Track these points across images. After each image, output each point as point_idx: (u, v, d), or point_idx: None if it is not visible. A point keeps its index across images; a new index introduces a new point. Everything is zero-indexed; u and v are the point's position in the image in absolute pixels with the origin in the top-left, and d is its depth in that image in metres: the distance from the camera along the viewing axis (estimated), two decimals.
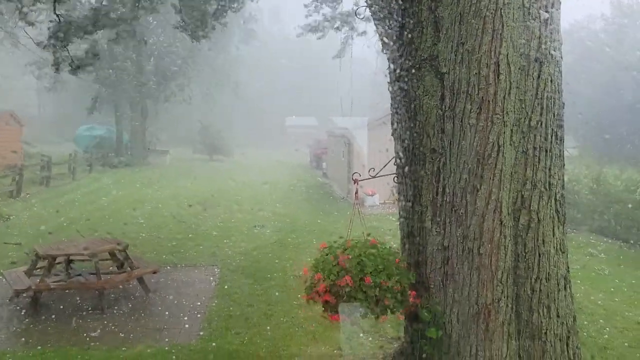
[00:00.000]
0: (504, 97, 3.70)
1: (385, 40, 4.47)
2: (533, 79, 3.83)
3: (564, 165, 4.06)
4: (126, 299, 7.40)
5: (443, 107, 3.98)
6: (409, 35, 4.19)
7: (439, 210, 4.06)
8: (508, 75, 3.70)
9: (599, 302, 7.67)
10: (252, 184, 22.24)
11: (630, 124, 28.21)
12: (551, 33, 3.85)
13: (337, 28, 10.82)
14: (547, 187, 3.89)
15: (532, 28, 3.80)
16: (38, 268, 7.20)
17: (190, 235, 11.51)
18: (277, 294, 7.65)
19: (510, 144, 3.77)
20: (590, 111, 28.95)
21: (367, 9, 4.69)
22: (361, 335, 5.95)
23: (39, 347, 5.74)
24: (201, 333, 6.24)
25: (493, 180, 3.73)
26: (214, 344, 5.93)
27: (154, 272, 7.77)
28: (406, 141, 4.32)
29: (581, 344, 4.20)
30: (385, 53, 4.58)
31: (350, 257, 3.84)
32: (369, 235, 4.13)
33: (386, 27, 4.42)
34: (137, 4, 9.35)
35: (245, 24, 35.85)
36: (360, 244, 4.00)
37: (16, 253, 9.45)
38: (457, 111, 3.84)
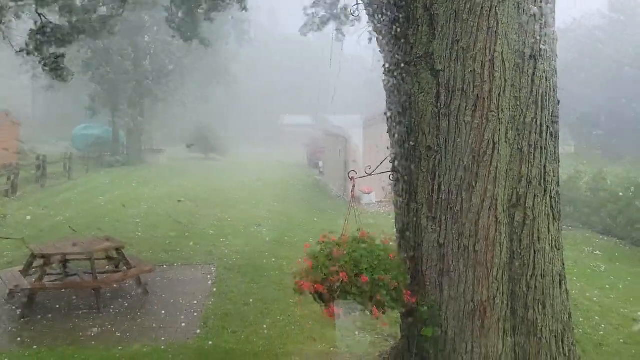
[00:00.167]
0: (499, 95, 3.71)
1: (380, 37, 4.47)
2: (528, 76, 3.84)
3: (559, 162, 4.07)
4: (122, 298, 7.38)
5: (438, 104, 3.98)
6: (404, 33, 4.19)
7: (434, 208, 4.06)
8: (503, 72, 3.71)
9: (595, 299, 7.70)
10: (248, 183, 22.22)
11: (626, 121, 28.33)
12: (546, 30, 3.86)
13: (333, 20, 10.80)
14: (543, 184, 3.90)
15: (527, 25, 3.80)
16: (34, 267, 7.17)
17: (186, 234, 11.49)
18: (273, 292, 7.64)
19: (506, 141, 3.78)
20: (586, 109, 29.05)
21: (363, 7, 4.69)
22: (357, 333, 5.96)
23: (35, 347, 5.72)
24: (197, 332, 6.24)
25: (488, 177, 3.74)
26: (210, 342, 5.93)
27: (150, 271, 7.76)
28: (402, 139, 4.33)
29: (577, 341, 4.22)
30: (381, 51, 4.59)
31: (345, 252, 3.84)
32: (358, 230, 4.11)
33: (381, 25, 4.42)
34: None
35: (239, 24, 35.75)
36: (351, 239, 3.99)
37: (12, 253, 9.41)
38: (452, 109, 3.84)
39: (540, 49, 3.84)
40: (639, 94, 27.38)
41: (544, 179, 3.90)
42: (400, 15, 4.23)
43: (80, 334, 6.11)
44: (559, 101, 4.05)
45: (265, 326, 6.40)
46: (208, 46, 10.78)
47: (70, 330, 6.21)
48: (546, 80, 3.89)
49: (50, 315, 6.65)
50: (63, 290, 7.31)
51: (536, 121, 3.87)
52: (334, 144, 21.44)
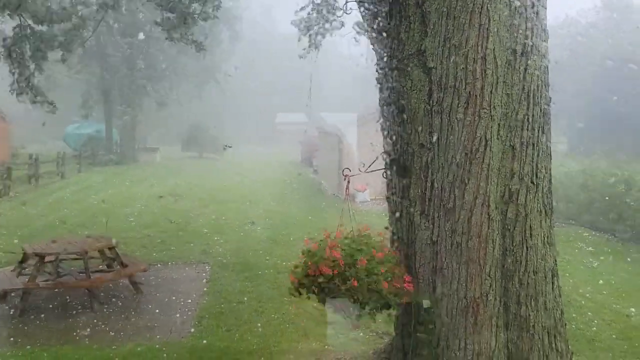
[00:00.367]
0: (490, 92, 3.72)
1: (373, 35, 4.47)
2: (519, 73, 3.85)
3: (551, 158, 4.09)
4: (116, 297, 7.36)
5: (431, 102, 3.99)
6: (396, 30, 4.19)
7: (427, 205, 4.07)
8: (495, 69, 3.72)
9: (588, 295, 7.75)
10: (242, 181, 22.21)
11: (618, 119, 28.48)
12: (537, 27, 3.87)
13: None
14: (534, 180, 3.92)
15: (518, 22, 3.82)
16: (26, 267, 7.14)
17: (180, 233, 11.47)
18: (268, 290, 7.65)
19: (498, 138, 3.79)
20: (579, 106, 29.18)
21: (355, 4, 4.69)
22: (351, 330, 5.96)
23: (29, 347, 5.69)
24: (192, 330, 6.23)
25: (481, 174, 3.75)
26: (204, 341, 5.92)
27: (144, 270, 7.74)
28: (394, 136, 4.33)
29: (570, 337, 4.24)
30: (373, 49, 4.59)
31: (340, 246, 3.86)
32: (351, 230, 4.13)
33: (373, 22, 4.42)
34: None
35: (233, 24, 35.68)
36: (346, 238, 4.00)
37: (5, 253, 9.36)
38: (444, 106, 3.85)
39: (532, 46, 3.85)
40: (631, 92, 27.50)
41: (536, 175, 3.92)
42: (392, 13, 4.24)
43: (74, 333, 6.09)
44: (550, 98, 4.06)
45: (259, 324, 6.40)
46: (203, 50, 10.71)
47: (64, 330, 6.19)
48: (537, 77, 3.91)
49: (43, 315, 6.62)
50: (56, 289, 7.28)
51: (528, 118, 3.88)
52: (328, 142, 21.44)
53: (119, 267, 7.36)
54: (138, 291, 7.45)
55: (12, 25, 9.94)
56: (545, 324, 3.96)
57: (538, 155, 3.94)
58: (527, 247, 3.91)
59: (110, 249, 7.41)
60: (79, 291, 7.23)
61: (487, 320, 3.81)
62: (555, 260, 4.11)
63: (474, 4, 3.68)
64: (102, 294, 7.36)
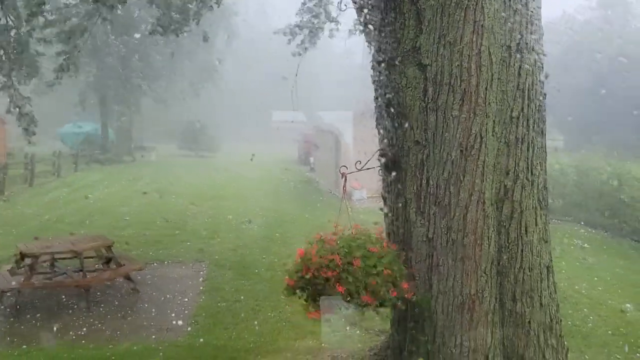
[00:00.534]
0: (485, 89, 3.72)
1: (368, 32, 4.47)
2: (514, 70, 3.86)
3: (546, 155, 4.09)
4: (112, 296, 7.35)
5: (426, 99, 3.99)
6: (391, 28, 4.19)
7: (423, 202, 4.07)
8: (490, 66, 3.72)
9: (583, 291, 7.78)
10: (239, 179, 22.19)
11: (612, 116, 28.55)
12: (532, 24, 3.88)
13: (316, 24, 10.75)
14: (530, 177, 3.92)
15: (513, 19, 3.82)
16: (22, 267, 7.11)
17: (177, 232, 11.45)
18: (264, 289, 7.64)
19: (493, 135, 3.79)
20: (574, 103, 29.24)
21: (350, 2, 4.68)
22: (347, 328, 5.97)
23: (24, 347, 5.68)
24: (188, 329, 6.23)
25: (476, 171, 3.75)
26: (201, 339, 5.92)
27: (140, 269, 7.74)
28: (390, 133, 4.33)
29: (565, 333, 4.25)
30: (369, 46, 4.58)
31: (338, 242, 3.84)
32: (349, 228, 4.10)
33: (368, 19, 4.42)
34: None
35: (229, 21, 35.60)
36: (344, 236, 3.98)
37: (0, 252, 9.33)
38: (439, 103, 3.85)
39: (526, 43, 3.86)
40: (621, 85, 27.59)
41: (531, 172, 3.93)
42: (387, 10, 4.23)
43: (70, 332, 6.08)
44: (545, 94, 4.07)
45: (256, 323, 6.40)
46: (207, 40, 10.63)
47: (60, 329, 6.17)
48: (532, 74, 3.91)
49: (39, 315, 6.60)
50: (52, 289, 7.26)
51: (523, 114, 3.89)
52: (324, 140, 21.44)
53: (115, 266, 7.35)
54: (134, 290, 7.43)
55: None
56: (540, 320, 3.97)
57: (533, 151, 3.95)
58: (522, 244, 3.92)
59: (106, 248, 7.39)
60: (74, 290, 7.21)
61: (483, 316, 3.82)
62: (551, 257, 4.12)
63: (468, 1, 3.68)
64: (98, 293, 7.34)
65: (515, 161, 3.89)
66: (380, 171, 4.59)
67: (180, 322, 6.43)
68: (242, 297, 7.28)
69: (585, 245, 10.88)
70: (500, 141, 3.87)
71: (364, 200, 16.38)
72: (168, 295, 7.37)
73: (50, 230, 11.02)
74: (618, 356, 5.65)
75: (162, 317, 6.62)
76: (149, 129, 41.34)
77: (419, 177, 4.10)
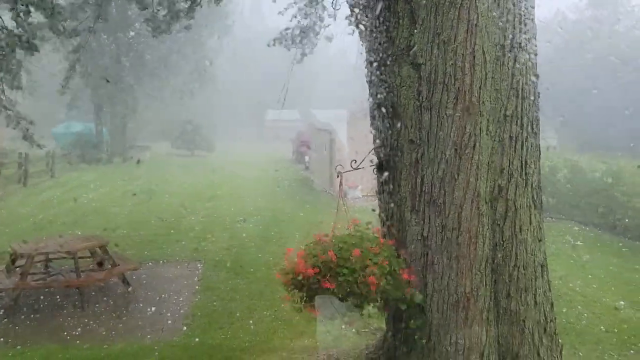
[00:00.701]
0: (479, 87, 3.72)
1: (362, 31, 4.47)
2: (508, 68, 3.87)
3: (540, 153, 4.10)
4: (107, 296, 7.33)
5: (420, 98, 3.99)
6: (385, 26, 4.19)
7: (417, 201, 4.08)
8: (483, 65, 3.73)
9: (577, 288, 7.82)
10: (233, 178, 22.15)
11: (606, 114, 28.69)
12: (525, 22, 3.89)
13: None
14: (524, 175, 3.94)
15: (506, 18, 3.83)
16: (17, 267, 7.08)
17: (172, 231, 11.44)
18: (260, 287, 7.64)
19: (487, 134, 3.80)
20: (568, 101, 29.36)
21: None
22: (343, 327, 5.98)
23: (19, 347, 5.66)
24: (184, 329, 6.22)
25: (470, 169, 3.76)
26: (196, 339, 5.92)
27: (135, 269, 7.72)
28: (384, 132, 4.34)
29: (559, 330, 4.27)
30: (363, 45, 4.58)
31: (332, 240, 3.86)
32: (347, 228, 4.12)
33: (362, 18, 4.42)
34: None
35: (223, 20, 35.50)
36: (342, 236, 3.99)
37: None
38: (434, 102, 3.85)
39: (520, 41, 3.87)
40: (611, 84, 27.76)
41: (525, 170, 3.94)
42: (381, 9, 4.23)
43: (65, 333, 6.06)
44: (539, 93, 4.08)
45: (251, 322, 6.40)
46: (189, 29, 10.49)
47: (55, 330, 6.15)
48: (526, 72, 3.92)
49: (33, 315, 6.58)
50: (47, 289, 7.24)
51: (516, 113, 3.90)
52: (319, 138, 21.44)
53: (109, 266, 7.33)
54: (129, 290, 7.42)
55: None
56: (535, 318, 3.98)
57: (527, 150, 3.96)
58: (517, 242, 3.93)
59: (100, 247, 7.37)
60: (69, 290, 7.19)
61: (478, 315, 3.83)
62: (545, 255, 4.13)
63: (462, 0, 3.69)
64: (93, 293, 7.33)
65: (509, 160, 3.90)
66: (374, 170, 4.60)
67: (175, 322, 6.43)
68: (237, 297, 7.28)
69: (579, 243, 10.93)
70: (494, 140, 3.88)
71: (359, 198, 16.40)
72: (163, 295, 7.36)
73: (45, 230, 10.98)
74: (612, 353, 5.68)
75: (157, 316, 6.61)
76: (144, 128, 41.20)
77: (414, 176, 4.11)
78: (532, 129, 4.01)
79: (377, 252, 3.78)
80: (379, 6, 4.22)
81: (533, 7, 4.00)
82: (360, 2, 4.45)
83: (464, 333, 3.83)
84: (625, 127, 27.02)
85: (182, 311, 6.79)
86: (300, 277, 3.73)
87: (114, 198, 16.28)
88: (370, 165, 4.58)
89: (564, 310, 6.67)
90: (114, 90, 29.99)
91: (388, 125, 4.26)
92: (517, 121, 3.91)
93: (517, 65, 3.88)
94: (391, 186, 4.33)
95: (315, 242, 3.99)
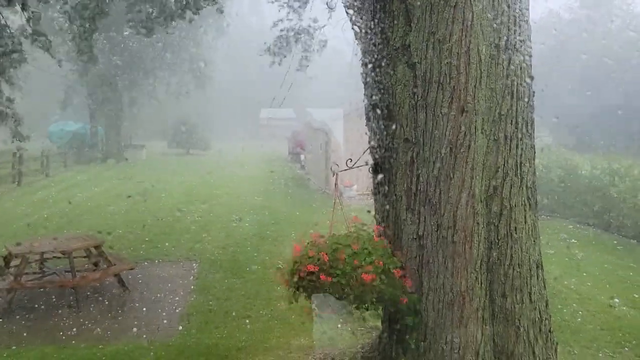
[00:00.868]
0: (474, 86, 3.73)
1: (357, 30, 4.47)
2: (503, 67, 3.87)
3: (535, 152, 4.12)
4: (102, 296, 7.31)
5: (415, 97, 4.00)
6: (381, 25, 4.20)
7: (413, 200, 4.09)
8: (478, 64, 3.73)
9: (572, 286, 7.85)
10: (229, 177, 22.11)
11: (600, 113, 28.81)
12: (520, 22, 3.89)
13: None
14: (519, 174, 3.95)
15: (501, 17, 3.84)
16: (11, 267, 7.06)
17: (167, 230, 11.41)
18: (256, 287, 7.64)
19: (482, 132, 3.81)
20: (563, 100, 29.46)
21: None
22: (339, 325, 5.99)
23: (14, 347, 5.65)
24: (180, 328, 6.21)
25: (465, 168, 3.77)
26: (192, 339, 5.91)
27: (131, 269, 7.70)
28: (380, 132, 4.34)
29: (555, 328, 4.29)
30: (358, 44, 4.59)
31: (327, 241, 3.87)
32: (346, 227, 4.14)
33: (358, 17, 4.42)
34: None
35: (219, 19, 35.43)
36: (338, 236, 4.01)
37: None
38: (429, 101, 3.86)
39: (515, 41, 3.88)
40: (606, 85, 27.90)
41: (520, 169, 3.95)
42: (377, 8, 4.24)
43: (60, 333, 6.05)
44: (534, 92, 4.09)
45: (248, 321, 6.39)
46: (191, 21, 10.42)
47: (50, 330, 6.13)
48: (521, 71, 3.93)
49: (28, 315, 6.56)
50: (42, 289, 7.21)
51: (511, 112, 3.91)
52: (315, 137, 21.43)
53: (105, 265, 7.31)
54: (125, 290, 7.40)
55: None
56: (530, 316, 4.00)
57: (522, 148, 3.97)
58: (512, 241, 3.95)
59: (96, 247, 7.35)
60: (64, 291, 7.17)
61: (473, 313, 3.84)
62: (540, 253, 4.14)
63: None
64: (88, 293, 7.31)
65: (504, 159, 3.91)
66: (370, 170, 4.60)
67: (171, 322, 6.42)
68: (233, 296, 7.28)
69: (574, 241, 10.98)
70: (489, 139, 3.89)
71: (355, 197, 16.41)
72: (159, 295, 7.35)
73: (40, 230, 10.95)
74: (606, 350, 5.71)
75: (153, 316, 6.60)
76: (141, 127, 41.08)
77: (409, 175, 4.12)
78: (527, 128, 4.02)
79: (370, 252, 3.79)
80: (375, 6, 4.22)
81: (527, 9, 4.01)
82: (355, 4, 4.45)
83: (459, 332, 3.84)
84: (620, 127, 27.19)
85: (177, 311, 6.78)
86: (295, 279, 3.76)
87: (109, 197, 16.23)
88: (366, 165, 4.58)
89: (559, 308, 6.70)
90: (108, 89, 29.89)
91: (383, 126, 4.27)
92: (512, 121, 3.92)
93: (512, 66, 3.89)
94: (387, 187, 4.33)
95: (311, 242, 4.00)
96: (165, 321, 6.44)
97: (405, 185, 4.16)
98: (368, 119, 4.54)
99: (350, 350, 5.26)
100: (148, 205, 14.73)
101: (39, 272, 7.39)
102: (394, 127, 4.18)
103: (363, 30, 4.36)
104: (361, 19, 4.37)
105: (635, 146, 26.13)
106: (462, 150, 3.76)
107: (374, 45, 4.25)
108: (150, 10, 9.10)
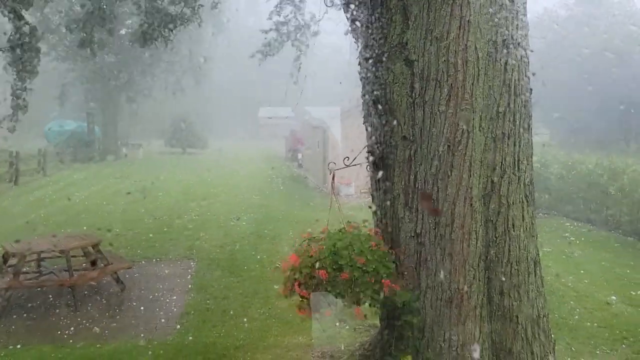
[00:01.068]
0: (472, 84, 3.73)
1: (355, 27, 4.46)
2: (500, 65, 3.87)
3: (532, 149, 4.12)
4: (100, 295, 7.29)
5: (413, 94, 3.99)
6: (378, 23, 4.19)
7: (411, 198, 4.08)
8: (476, 61, 3.73)
9: (570, 284, 7.85)
10: (227, 176, 22.09)
11: (597, 110, 28.86)
12: (517, 19, 3.89)
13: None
14: (516, 171, 3.95)
15: (499, 14, 3.83)
16: (9, 266, 7.03)
17: (165, 229, 11.39)
18: (253, 285, 7.63)
19: (480, 130, 3.81)
20: (560, 98, 29.50)
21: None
22: (337, 324, 5.98)
23: (11, 347, 5.62)
24: (177, 327, 6.20)
25: (463, 166, 3.77)
26: (190, 337, 5.89)
27: (128, 268, 7.69)
28: (378, 129, 4.33)
29: (552, 326, 4.29)
30: (356, 41, 4.58)
31: (323, 247, 3.85)
32: (348, 222, 4.14)
33: (355, 15, 4.41)
34: None
35: (217, 17, 35.35)
36: (332, 233, 4.00)
37: None
38: (426, 98, 3.86)
39: (512, 38, 3.87)
40: (606, 80, 27.90)
41: (518, 167, 3.95)
42: (374, 5, 4.23)
43: (58, 332, 6.02)
44: (531, 90, 4.09)
45: (245, 319, 6.38)
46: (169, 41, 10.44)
47: (47, 329, 6.11)
48: (518, 69, 3.93)
49: (26, 314, 6.54)
50: (39, 288, 7.19)
51: (509, 109, 3.91)
52: (313, 136, 21.42)
53: (102, 265, 7.29)
54: (122, 289, 7.38)
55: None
56: (528, 314, 4.00)
57: (520, 146, 3.97)
58: (509, 238, 3.95)
59: (93, 246, 7.33)
60: (62, 290, 7.15)
61: (471, 311, 3.84)
62: (538, 251, 4.15)
63: None
64: (86, 292, 7.29)
65: (502, 156, 3.91)
66: (368, 168, 4.60)
67: (168, 321, 6.40)
68: (231, 295, 7.27)
69: (572, 238, 10.99)
70: (487, 136, 3.88)
71: (352, 195, 16.41)
72: (156, 294, 7.33)
73: (37, 229, 10.92)
74: (604, 348, 5.71)
75: (150, 315, 6.58)
76: (137, 126, 41.04)
77: (407, 173, 4.11)
78: (525, 125, 4.02)
79: (364, 262, 3.78)
80: (373, 3, 4.21)
81: (525, 4, 4.01)
82: None
83: (457, 329, 3.84)
84: (619, 122, 27.21)
85: (175, 310, 6.76)
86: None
87: (106, 196, 16.20)
88: (365, 163, 4.58)
89: (557, 306, 6.70)
90: (105, 88, 29.84)
91: (381, 122, 4.26)
92: (509, 118, 3.92)
93: (510, 62, 3.89)
94: (386, 183, 4.33)
95: (307, 244, 4.00)
96: (163, 320, 6.42)
97: (403, 182, 4.15)
98: (367, 116, 4.54)
99: (349, 349, 5.26)
100: (146, 203, 14.71)
101: (36, 271, 7.37)
102: (392, 124, 4.18)
103: (364, 25, 4.35)
104: (362, 13, 4.35)
105: (635, 143, 26.21)
106: (459, 148, 3.76)
107: (374, 41, 4.24)
108: (150, 21, 9.09)
